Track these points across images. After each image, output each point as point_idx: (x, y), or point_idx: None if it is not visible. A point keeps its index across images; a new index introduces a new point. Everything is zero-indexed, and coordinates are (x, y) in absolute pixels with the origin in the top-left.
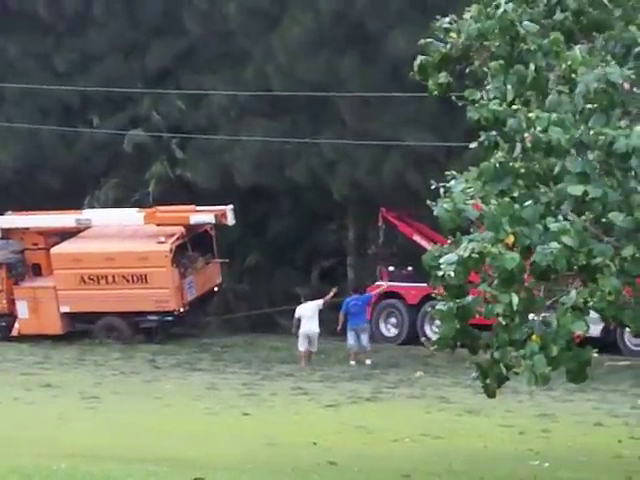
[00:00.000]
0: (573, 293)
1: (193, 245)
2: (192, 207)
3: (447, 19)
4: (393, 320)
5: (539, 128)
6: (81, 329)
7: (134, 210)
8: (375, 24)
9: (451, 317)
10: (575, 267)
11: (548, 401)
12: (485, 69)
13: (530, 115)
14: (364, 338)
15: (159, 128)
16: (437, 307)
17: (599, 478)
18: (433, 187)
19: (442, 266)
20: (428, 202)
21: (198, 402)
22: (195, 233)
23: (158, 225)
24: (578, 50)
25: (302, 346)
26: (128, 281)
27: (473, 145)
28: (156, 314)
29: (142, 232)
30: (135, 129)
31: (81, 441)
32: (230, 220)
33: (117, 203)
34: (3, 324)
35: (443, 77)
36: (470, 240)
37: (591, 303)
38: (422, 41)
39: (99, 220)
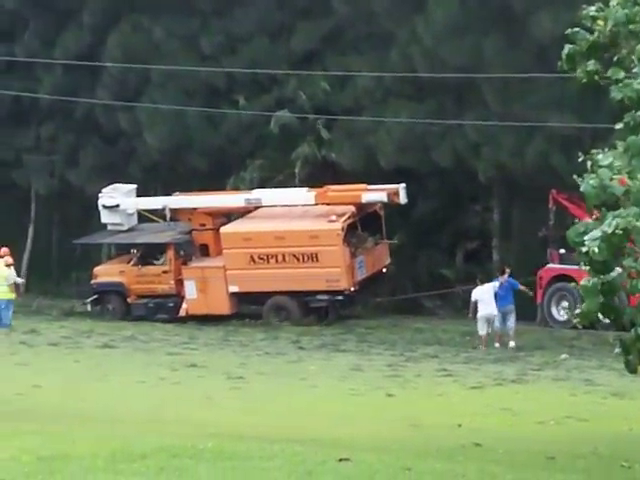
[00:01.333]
0: None
1: (363, 225)
2: (363, 186)
3: (593, 7)
4: (565, 303)
5: None
6: (249, 310)
7: (304, 190)
8: (520, 5)
9: (595, 292)
10: None
11: None
12: (633, 57)
13: None
14: (510, 320)
15: (305, 109)
16: (582, 282)
17: None
18: (580, 159)
19: (586, 242)
20: (574, 176)
21: (343, 383)
22: (365, 213)
23: (329, 204)
24: None
25: (482, 330)
26: (298, 260)
27: (618, 126)
28: (326, 293)
29: (312, 211)
30: (281, 110)
31: (227, 421)
32: (402, 199)
33: (262, 184)
34: (170, 304)
35: (591, 65)
36: (615, 216)
37: None
38: (569, 30)
39: (269, 200)
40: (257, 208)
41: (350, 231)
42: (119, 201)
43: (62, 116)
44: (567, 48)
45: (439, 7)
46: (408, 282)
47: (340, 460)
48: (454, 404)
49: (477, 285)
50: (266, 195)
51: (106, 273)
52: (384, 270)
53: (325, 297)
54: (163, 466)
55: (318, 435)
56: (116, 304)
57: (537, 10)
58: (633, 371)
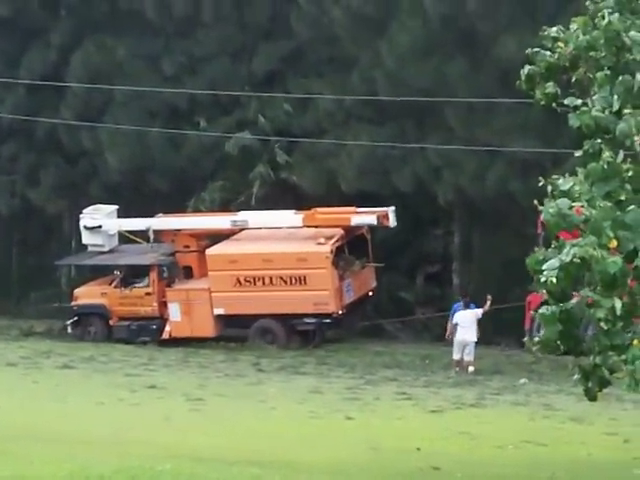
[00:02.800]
0: None
1: (349, 248)
2: (352, 209)
3: (554, 28)
4: None
5: None
6: (234, 333)
7: (291, 212)
8: (484, 28)
9: (554, 321)
10: None
11: None
12: (590, 75)
13: None
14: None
15: (265, 131)
16: (540, 311)
17: None
18: (541, 184)
19: (545, 272)
20: (535, 202)
21: (302, 405)
22: (352, 236)
23: (317, 227)
24: None
25: (456, 354)
26: (286, 283)
27: (578, 154)
28: (314, 317)
29: (298, 234)
30: (242, 132)
31: (185, 443)
32: (392, 222)
33: (222, 205)
34: (153, 327)
35: (550, 87)
36: (573, 245)
37: None
38: (529, 50)
39: (255, 222)
40: (242, 230)
41: (338, 254)
42: (101, 222)
43: (23, 135)
44: (527, 68)
45: (403, 30)
46: (369, 305)
47: None
48: (413, 428)
49: (459, 305)
50: (253, 217)
51: (87, 295)
52: (370, 293)
53: (312, 320)
54: None
55: (277, 458)
56: (98, 326)
57: (501, 34)
58: (593, 399)
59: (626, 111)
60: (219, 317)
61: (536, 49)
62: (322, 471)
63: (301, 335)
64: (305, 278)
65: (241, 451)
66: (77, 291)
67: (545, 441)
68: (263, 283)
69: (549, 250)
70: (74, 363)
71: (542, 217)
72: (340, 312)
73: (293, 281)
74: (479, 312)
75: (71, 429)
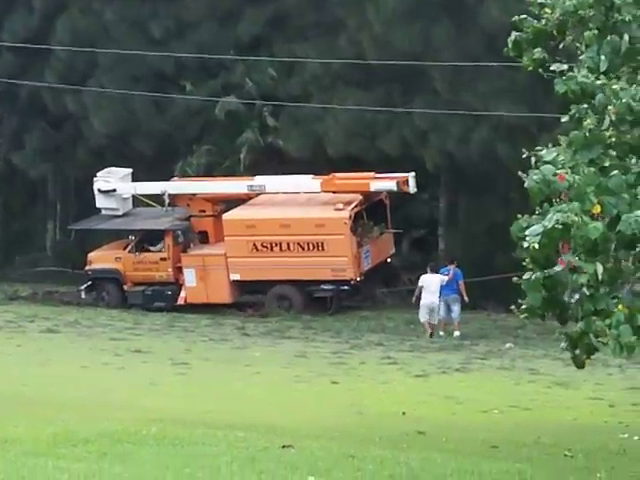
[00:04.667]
0: None
1: (368, 214)
2: (371, 174)
3: None
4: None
5: (624, 100)
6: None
7: (309, 177)
8: None
9: (538, 287)
10: None
11: (639, 374)
12: (578, 44)
13: (615, 87)
14: (455, 309)
15: (252, 95)
16: (524, 277)
17: None
18: (525, 156)
19: (527, 238)
20: (519, 173)
21: (287, 370)
22: (371, 201)
23: (335, 192)
24: None
25: (423, 317)
26: (303, 249)
27: (565, 119)
28: (331, 283)
29: (316, 199)
30: (228, 96)
31: (170, 407)
32: (412, 188)
33: (209, 169)
34: (168, 293)
35: (538, 53)
36: (556, 211)
37: None
38: (516, 17)
39: (273, 186)
40: (258, 195)
41: (356, 220)
42: (115, 185)
43: (7, 99)
44: (514, 35)
45: None
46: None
47: (283, 447)
48: (398, 392)
49: (427, 271)
50: (270, 182)
51: (101, 259)
52: (388, 260)
53: (330, 287)
54: (106, 451)
55: (262, 421)
56: (112, 292)
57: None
58: (580, 366)
59: (601, 80)
60: (235, 283)
61: (523, 15)
62: (307, 435)
63: (318, 302)
64: (323, 244)
65: (226, 415)
66: (91, 255)
67: (530, 406)
68: (280, 249)
69: (533, 217)
70: (58, 327)
71: (526, 185)
72: (358, 279)
73: (311, 247)
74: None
75: (55, 393)
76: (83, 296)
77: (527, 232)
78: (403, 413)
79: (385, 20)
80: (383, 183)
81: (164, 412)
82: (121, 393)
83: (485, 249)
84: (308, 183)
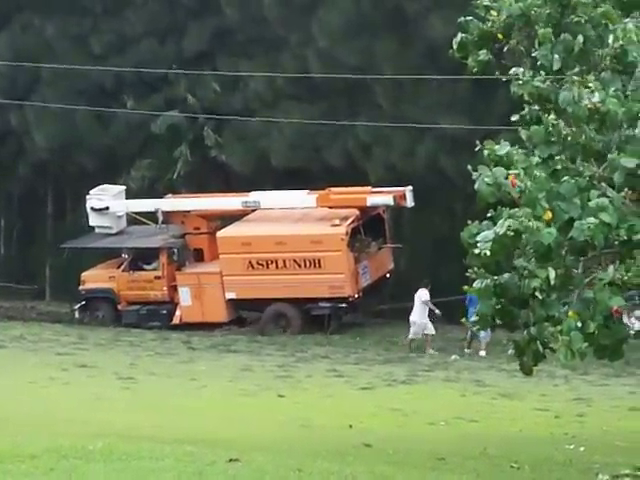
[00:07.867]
0: (611, 269)
1: (365, 229)
2: (368, 189)
3: None
4: (638, 312)
5: (596, 99)
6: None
7: (305, 192)
8: (413, 7)
9: (489, 295)
10: (616, 243)
11: (584, 385)
12: (523, 48)
13: (590, 85)
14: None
15: (194, 110)
16: (474, 285)
17: (635, 462)
18: (477, 148)
19: (479, 244)
20: (469, 167)
21: (233, 383)
22: (368, 216)
23: (331, 207)
24: (631, 24)
25: (413, 334)
26: (300, 266)
27: (515, 118)
28: (329, 301)
29: (312, 215)
30: (170, 111)
31: (117, 421)
32: (409, 202)
33: (151, 183)
34: (163, 312)
35: (483, 54)
36: (508, 217)
37: (626, 278)
38: (462, 19)
39: (268, 202)
40: (254, 211)
41: (353, 235)
42: (109, 203)
43: None
44: (459, 36)
45: (333, 9)
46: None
47: (230, 460)
48: (344, 405)
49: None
50: (264, 197)
51: (95, 279)
52: (387, 276)
53: (328, 304)
54: (53, 467)
55: (208, 436)
56: (106, 311)
57: (429, 12)
58: (528, 373)
59: (567, 78)
60: (231, 301)
61: (469, 18)
62: (253, 448)
63: (316, 320)
64: (320, 261)
65: (172, 429)
66: (84, 275)
67: (476, 417)
68: (276, 266)
69: (483, 223)
70: (4, 342)
71: (476, 186)
72: (356, 296)
73: (307, 264)
74: (426, 297)
75: (1, 408)
76: (77, 315)
77: (478, 238)
78: (350, 426)
79: (329, 35)
80: (380, 198)
81: (110, 427)
82: (67, 408)
83: (430, 262)
84: (303, 198)
